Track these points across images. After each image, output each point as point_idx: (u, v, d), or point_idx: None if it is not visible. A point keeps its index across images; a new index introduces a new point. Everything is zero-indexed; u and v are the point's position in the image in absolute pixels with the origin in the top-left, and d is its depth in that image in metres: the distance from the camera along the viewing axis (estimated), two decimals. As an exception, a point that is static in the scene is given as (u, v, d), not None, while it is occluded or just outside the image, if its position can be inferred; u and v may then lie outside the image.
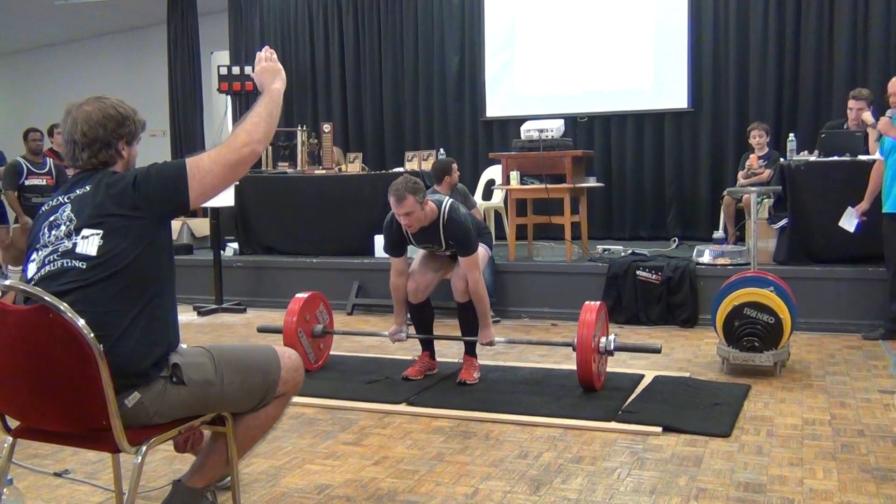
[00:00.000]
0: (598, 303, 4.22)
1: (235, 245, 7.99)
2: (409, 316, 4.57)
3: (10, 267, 7.63)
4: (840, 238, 5.70)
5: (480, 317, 4.32)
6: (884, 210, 4.96)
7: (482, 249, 4.45)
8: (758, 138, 6.93)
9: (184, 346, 2.32)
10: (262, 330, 5.09)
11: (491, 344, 4.38)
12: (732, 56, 8.10)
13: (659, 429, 3.54)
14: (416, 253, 4.56)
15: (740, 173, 7.08)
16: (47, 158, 7.73)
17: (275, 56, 2.48)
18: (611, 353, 4.19)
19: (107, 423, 2.03)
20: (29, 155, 7.61)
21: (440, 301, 4.71)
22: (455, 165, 6.46)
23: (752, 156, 6.90)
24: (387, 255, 4.46)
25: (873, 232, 5.23)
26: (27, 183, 7.48)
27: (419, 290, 4.41)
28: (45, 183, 7.56)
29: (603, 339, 4.14)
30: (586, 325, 4.01)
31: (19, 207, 7.42)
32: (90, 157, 2.26)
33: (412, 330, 4.58)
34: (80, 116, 2.25)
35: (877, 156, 4.92)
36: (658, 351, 4.37)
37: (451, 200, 4.27)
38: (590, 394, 4.08)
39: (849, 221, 5.09)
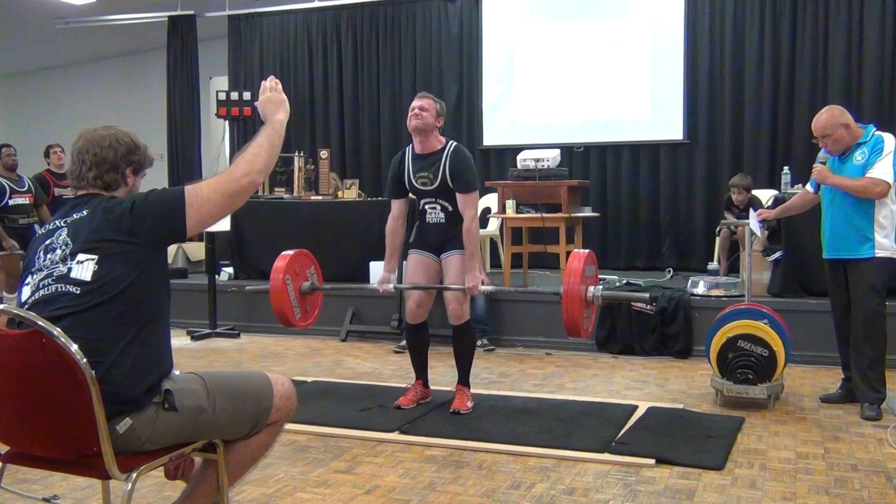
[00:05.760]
0: (587, 251, 3.99)
1: (230, 269, 7.97)
2: (403, 343, 4.56)
3: (4, 294, 7.10)
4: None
5: (468, 257, 4.24)
6: (824, 256, 4.58)
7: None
8: (737, 195, 6.84)
9: (176, 372, 2.31)
10: (252, 291, 5.45)
11: (476, 290, 4.20)
12: (728, 88, 8.15)
13: (652, 461, 3.52)
14: (405, 273, 4.57)
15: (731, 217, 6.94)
16: (22, 176, 7.21)
17: (279, 87, 2.51)
18: (598, 302, 3.94)
19: (97, 449, 2.02)
20: (4, 172, 7.03)
21: (433, 329, 4.69)
22: None
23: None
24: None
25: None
26: (10, 203, 6.96)
27: (420, 307, 4.40)
28: (27, 202, 7.09)
29: (591, 289, 3.91)
30: (573, 274, 3.76)
31: (2, 231, 6.81)
32: (96, 178, 2.29)
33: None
34: (94, 137, 2.32)
35: (808, 187, 4.74)
36: (647, 301, 4.16)
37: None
38: (583, 424, 4.07)
39: (755, 224, 4.93)
